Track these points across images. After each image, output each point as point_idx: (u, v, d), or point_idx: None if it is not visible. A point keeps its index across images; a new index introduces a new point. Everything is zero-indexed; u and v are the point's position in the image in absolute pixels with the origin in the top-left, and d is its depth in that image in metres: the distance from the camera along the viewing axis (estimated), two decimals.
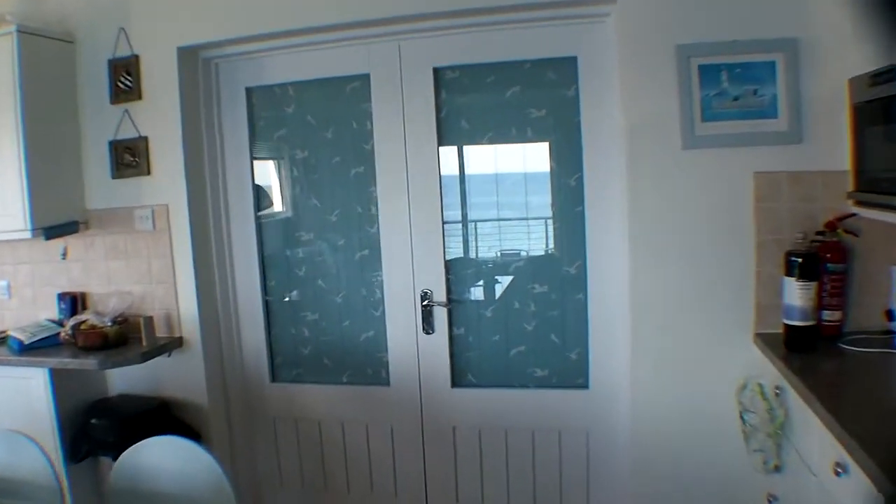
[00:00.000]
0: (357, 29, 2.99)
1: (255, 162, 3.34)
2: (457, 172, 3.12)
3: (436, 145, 3.04)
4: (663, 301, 2.72)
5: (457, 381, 3.16)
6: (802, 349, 2.37)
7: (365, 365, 3.29)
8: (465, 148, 3.13)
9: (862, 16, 2.20)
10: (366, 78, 3.10)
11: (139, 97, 3.17)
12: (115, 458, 2.24)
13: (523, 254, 3.11)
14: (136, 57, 3.15)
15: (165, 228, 3.20)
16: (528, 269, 3.08)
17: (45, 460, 2.18)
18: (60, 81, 3.21)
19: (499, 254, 3.15)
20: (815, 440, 1.97)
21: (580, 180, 2.92)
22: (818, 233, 2.48)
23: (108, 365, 3.00)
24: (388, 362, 3.23)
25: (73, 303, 3.33)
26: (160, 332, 3.23)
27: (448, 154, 3.08)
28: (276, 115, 3.29)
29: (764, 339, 2.53)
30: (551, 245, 3.09)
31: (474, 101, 3.06)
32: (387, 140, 3.09)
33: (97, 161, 3.26)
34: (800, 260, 2.36)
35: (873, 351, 2.30)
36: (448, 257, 3.11)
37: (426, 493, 3.26)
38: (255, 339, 3.41)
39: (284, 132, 3.30)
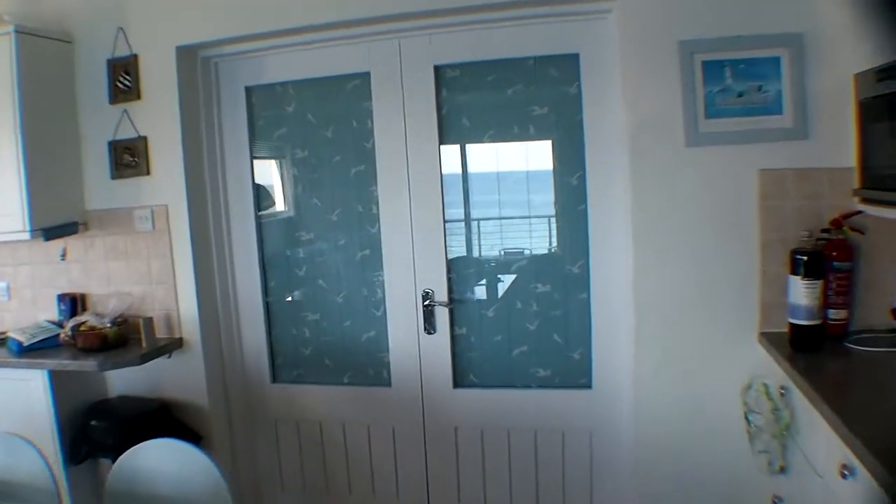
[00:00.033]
0: (357, 27, 2.97)
1: (256, 161, 3.32)
2: (457, 171, 3.09)
3: (437, 144, 3.02)
4: (667, 300, 2.70)
5: (459, 381, 3.13)
6: (808, 348, 2.34)
7: (366, 365, 3.27)
8: (467, 146, 3.10)
9: (864, 12, 2.18)
10: (366, 76, 3.08)
11: (138, 97, 3.15)
12: (114, 460, 2.21)
13: (527, 252, 3.08)
14: (135, 56, 3.13)
15: (165, 229, 3.18)
16: (530, 268, 3.06)
17: (42, 463, 2.16)
18: (59, 82, 3.19)
19: (502, 252, 3.13)
20: (822, 441, 1.94)
21: (582, 178, 2.89)
22: (824, 230, 2.45)
23: (108, 366, 2.99)
24: (389, 363, 3.21)
25: (73, 304, 3.32)
26: (160, 333, 3.21)
27: (448, 152, 3.05)
28: (276, 114, 3.26)
29: (769, 339, 2.50)
30: (554, 244, 3.06)
31: (475, 99, 3.04)
32: (387, 139, 3.07)
33: (96, 161, 3.24)
34: (805, 258, 2.32)
35: (880, 350, 2.27)
36: (450, 256, 3.09)
37: (428, 494, 3.23)
38: (255, 339, 3.39)
39: (284, 131, 3.28)
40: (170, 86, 3.10)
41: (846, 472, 1.70)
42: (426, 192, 3.05)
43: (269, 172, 3.42)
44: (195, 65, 3.21)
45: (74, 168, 3.25)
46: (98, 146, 3.22)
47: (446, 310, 3.09)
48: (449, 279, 3.07)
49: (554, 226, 3.05)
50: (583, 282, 2.95)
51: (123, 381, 3.31)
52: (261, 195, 3.36)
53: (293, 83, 3.20)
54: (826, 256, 2.38)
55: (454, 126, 3.03)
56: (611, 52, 2.72)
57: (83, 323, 3.10)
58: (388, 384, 3.22)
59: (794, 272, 2.35)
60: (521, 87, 2.94)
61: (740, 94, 2.55)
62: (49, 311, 3.39)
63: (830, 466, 1.84)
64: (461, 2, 2.77)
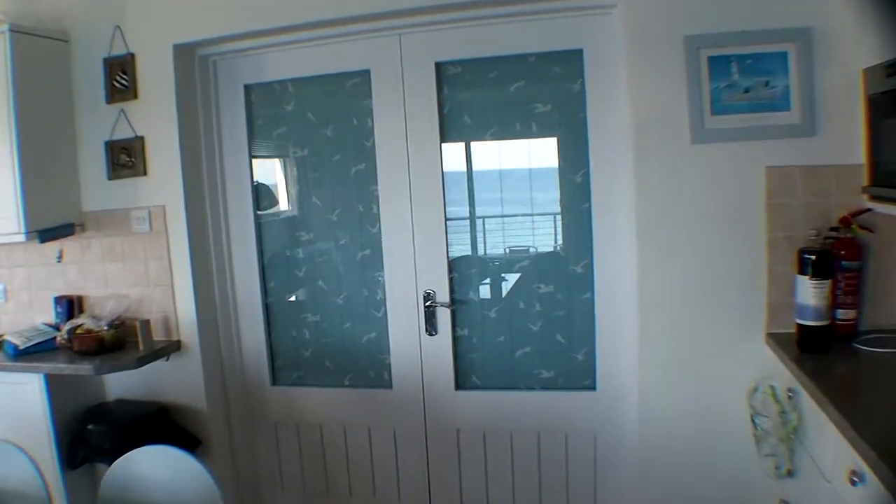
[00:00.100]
0: (357, 24, 2.92)
1: (259, 160, 3.29)
2: (459, 169, 3.05)
3: (438, 142, 2.98)
4: (672, 300, 2.65)
5: (461, 383, 3.09)
6: (816, 350, 2.30)
7: (367, 367, 3.23)
8: (469, 144, 3.06)
9: (870, 7, 2.14)
10: (366, 74, 3.04)
11: (135, 96, 3.11)
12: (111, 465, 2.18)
13: (531, 250, 3.04)
14: (132, 55, 3.09)
15: (162, 230, 3.14)
16: (533, 267, 3.01)
17: (34, 470, 2.13)
18: (55, 81, 3.15)
19: (507, 250, 3.09)
20: (830, 445, 1.90)
21: (586, 176, 2.84)
22: (832, 229, 2.41)
23: (104, 370, 2.96)
24: (390, 364, 3.17)
25: (70, 306, 3.28)
26: (158, 336, 3.18)
27: (450, 151, 3.01)
28: (276, 113, 3.22)
29: (776, 340, 2.46)
30: (557, 242, 3.02)
31: (477, 97, 3.00)
32: (388, 137, 3.03)
33: (93, 162, 3.20)
34: (813, 257, 2.28)
35: (889, 351, 2.22)
36: (454, 255, 3.05)
37: (430, 497, 3.19)
38: (255, 341, 3.35)
39: (284, 130, 3.24)
40: (167, 85, 3.06)
41: (856, 479, 1.66)
42: (427, 192, 3.00)
43: (271, 171, 3.38)
44: (193, 63, 3.17)
45: (70, 169, 3.21)
46: (94, 146, 3.18)
47: (448, 311, 3.04)
48: (451, 279, 3.03)
49: (558, 224, 3.00)
50: (586, 281, 2.91)
51: (121, 384, 3.28)
52: (263, 194, 3.32)
53: (292, 81, 3.16)
54: (834, 255, 2.34)
55: (456, 124, 2.98)
56: (615, 47, 2.68)
57: (79, 326, 3.07)
58: (390, 386, 3.18)
59: (802, 272, 2.31)
60: (524, 84, 2.90)
61: (747, 90, 2.50)
62: (46, 314, 3.36)
63: (839, 472, 1.80)
64: None
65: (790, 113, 2.47)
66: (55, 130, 3.15)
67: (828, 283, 2.28)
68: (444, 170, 2.99)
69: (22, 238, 2.98)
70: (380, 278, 3.14)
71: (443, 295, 3.03)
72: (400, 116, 2.99)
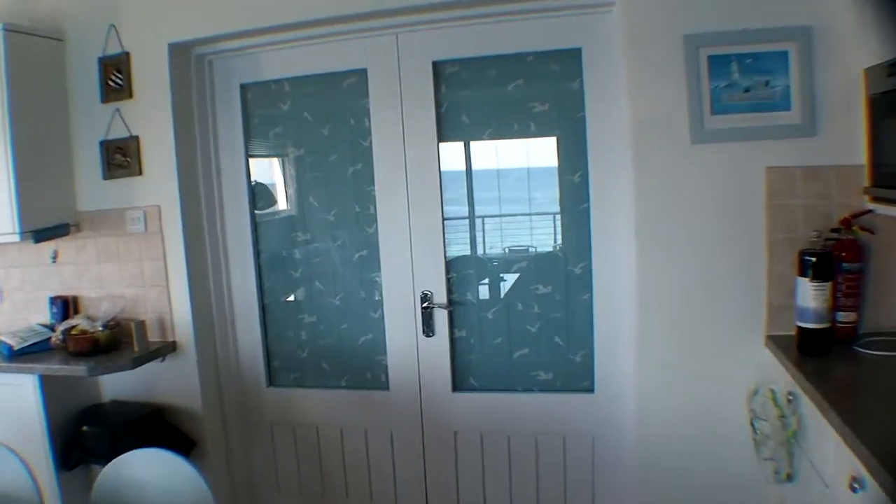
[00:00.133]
0: (353, 22, 2.90)
1: (258, 160, 3.27)
2: (456, 168, 3.02)
3: (436, 141, 2.95)
4: (671, 302, 2.63)
5: (458, 384, 3.07)
6: (816, 353, 2.27)
7: (364, 368, 3.21)
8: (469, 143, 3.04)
9: (870, 6, 2.12)
10: (363, 73, 3.01)
11: (130, 96, 3.08)
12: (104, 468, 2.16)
13: (531, 250, 3.01)
14: (127, 54, 3.07)
15: (158, 230, 3.12)
16: (531, 268, 2.99)
17: (25, 472, 2.11)
18: (50, 80, 3.12)
19: (506, 250, 3.06)
20: (830, 450, 1.87)
21: (584, 176, 2.82)
22: (833, 230, 2.38)
23: (99, 371, 2.94)
24: (387, 366, 3.15)
25: (65, 306, 3.26)
26: (153, 337, 3.16)
27: (447, 150, 2.98)
28: (272, 113, 3.20)
29: (776, 342, 2.43)
30: (555, 243, 2.99)
31: (475, 96, 2.97)
32: (385, 137, 3.00)
33: (88, 162, 3.18)
34: (814, 259, 2.25)
35: (891, 354, 2.19)
36: (452, 255, 3.02)
37: (427, 500, 3.17)
38: (251, 342, 3.33)
39: (280, 129, 3.22)
40: (162, 84, 3.04)
41: (856, 486, 1.63)
42: (425, 192, 2.98)
43: (270, 171, 3.36)
44: (188, 62, 3.14)
45: (65, 169, 3.19)
46: (89, 146, 3.16)
47: (445, 312, 3.02)
48: (448, 280, 3.01)
49: (556, 224, 2.98)
50: (585, 282, 2.89)
51: (116, 385, 3.26)
52: (261, 194, 3.30)
53: (289, 80, 3.14)
54: (835, 257, 2.31)
55: (453, 123, 2.96)
56: (614, 46, 2.65)
57: (74, 327, 3.05)
58: (387, 388, 3.16)
59: (803, 274, 2.28)
60: (522, 83, 2.88)
61: (747, 90, 2.47)
62: (42, 314, 3.33)
63: (839, 477, 1.77)
64: None
65: (791, 113, 2.44)
66: (50, 130, 3.12)
67: (828, 285, 2.25)
68: (442, 169, 2.96)
69: (16, 238, 2.96)
70: (377, 279, 3.11)
71: (440, 296, 3.01)
72: (397, 116, 2.96)
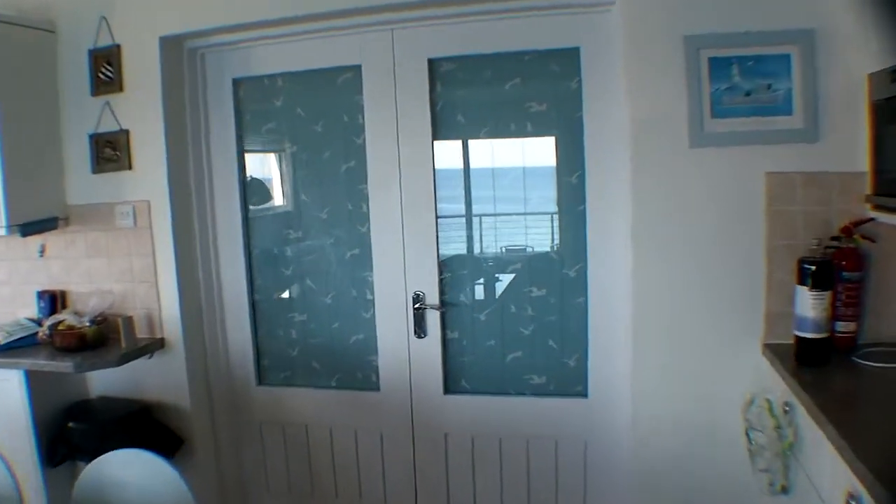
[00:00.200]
0: (348, 17, 2.85)
1: (257, 155, 3.23)
2: (448, 167, 2.97)
3: (430, 140, 2.90)
4: (668, 307, 2.58)
5: (450, 387, 3.03)
6: (814, 363, 2.23)
7: (354, 368, 3.17)
8: (461, 143, 2.99)
9: (872, 11, 2.07)
10: (357, 69, 2.96)
11: (121, 89, 3.03)
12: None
13: (528, 250, 2.97)
14: (118, 47, 3.01)
15: (147, 225, 3.07)
16: (525, 270, 2.94)
17: (5, 469, 2.08)
18: (40, 72, 3.07)
19: (503, 249, 3.01)
20: (827, 464, 1.82)
21: (581, 178, 2.77)
22: (833, 238, 2.33)
23: (85, 368, 2.89)
24: (378, 366, 3.10)
25: (53, 301, 3.21)
26: (141, 333, 3.11)
27: (442, 149, 2.93)
28: (265, 108, 3.15)
29: (773, 350, 2.38)
30: (550, 245, 2.95)
31: (471, 94, 2.92)
32: (379, 134, 2.96)
33: (77, 155, 3.13)
34: (813, 267, 2.20)
35: (890, 366, 2.15)
36: (446, 255, 2.98)
37: (416, 501, 3.14)
38: (240, 340, 3.28)
39: (273, 125, 3.18)
40: (153, 77, 2.98)
41: (853, 503, 1.59)
42: (418, 191, 2.93)
43: (266, 166, 3.32)
44: (180, 56, 3.09)
45: (54, 162, 3.14)
46: (79, 139, 3.11)
47: (437, 313, 2.98)
48: (441, 280, 2.96)
49: (551, 225, 2.93)
50: (580, 285, 2.84)
51: (104, 381, 3.22)
52: (256, 190, 3.25)
53: (282, 75, 3.09)
54: (835, 266, 2.26)
55: (448, 122, 2.91)
56: (613, 46, 2.60)
57: (61, 322, 3.00)
58: (377, 388, 3.12)
59: (802, 282, 2.23)
60: (519, 82, 2.83)
61: (748, 93, 2.42)
62: (29, 308, 3.29)
63: (836, 493, 1.73)
64: None
65: (792, 117, 2.38)
66: (39, 122, 3.07)
67: (828, 294, 2.21)
68: (436, 168, 2.92)
69: (3, 232, 2.91)
70: (369, 278, 3.07)
71: (432, 297, 2.97)
72: (391, 113, 2.92)
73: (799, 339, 2.26)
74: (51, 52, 3.10)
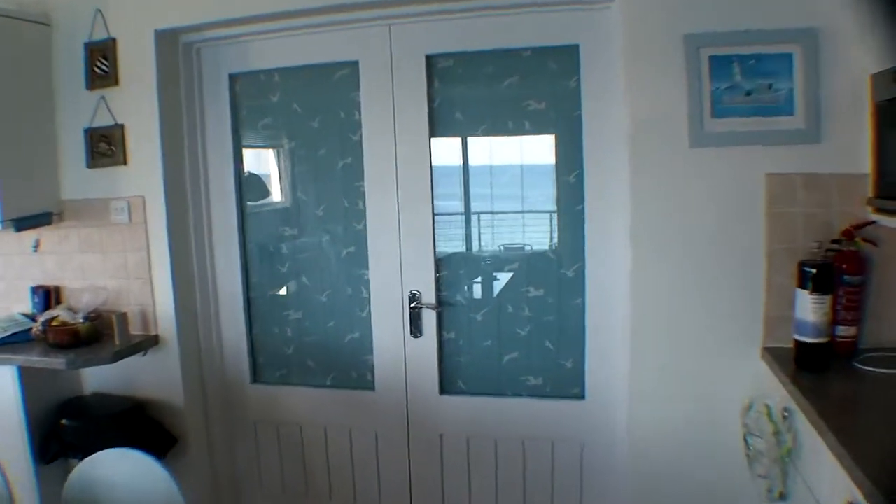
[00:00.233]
0: (346, 12, 2.82)
1: (255, 150, 3.20)
2: (445, 164, 2.94)
3: (427, 137, 2.87)
4: (666, 308, 2.55)
5: (445, 387, 3.00)
6: (814, 368, 2.19)
7: (350, 368, 3.14)
8: (458, 140, 2.96)
9: (872, 11, 2.04)
10: (354, 65, 2.93)
11: (116, 83, 3.00)
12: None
13: (526, 248, 2.94)
14: (113, 40, 2.98)
15: (142, 221, 3.04)
16: (523, 270, 2.91)
17: None
18: (35, 66, 3.04)
19: (501, 248, 2.98)
20: (826, 471, 1.80)
21: (580, 177, 2.74)
22: (834, 241, 2.29)
23: (78, 365, 2.87)
24: (373, 366, 3.08)
25: (47, 297, 3.19)
26: (136, 330, 3.09)
27: (439, 147, 2.90)
28: (261, 103, 3.12)
29: (773, 355, 2.35)
30: (548, 245, 2.92)
31: (469, 91, 2.89)
32: (376, 131, 2.92)
33: (72, 149, 3.10)
34: (814, 271, 2.17)
35: (891, 372, 2.12)
36: (443, 252, 2.95)
37: (411, 502, 3.11)
38: (235, 337, 3.26)
39: (270, 121, 3.14)
40: (148, 72, 2.95)
41: None
42: (415, 189, 2.90)
43: (265, 162, 3.29)
44: (176, 50, 3.06)
45: (49, 156, 3.11)
46: (74, 133, 3.08)
47: (434, 312, 2.95)
48: (437, 279, 2.93)
49: (548, 225, 2.90)
50: (578, 286, 2.81)
51: (98, 377, 3.19)
52: (254, 186, 3.22)
53: (279, 71, 3.06)
54: (836, 269, 2.23)
55: (446, 119, 2.88)
56: (613, 44, 2.57)
57: (55, 318, 2.98)
58: (372, 388, 3.09)
59: (802, 286, 2.20)
60: (518, 80, 2.79)
61: (749, 93, 2.38)
62: (23, 304, 3.26)
63: (835, 500, 1.70)
64: None
65: (794, 118, 2.35)
66: (34, 116, 3.04)
67: (828, 298, 2.18)
68: (434, 166, 2.89)
69: None
70: (364, 276, 3.04)
71: (429, 296, 2.94)
72: (388, 110, 2.88)
73: (799, 344, 2.23)
74: (46, 46, 3.07)
